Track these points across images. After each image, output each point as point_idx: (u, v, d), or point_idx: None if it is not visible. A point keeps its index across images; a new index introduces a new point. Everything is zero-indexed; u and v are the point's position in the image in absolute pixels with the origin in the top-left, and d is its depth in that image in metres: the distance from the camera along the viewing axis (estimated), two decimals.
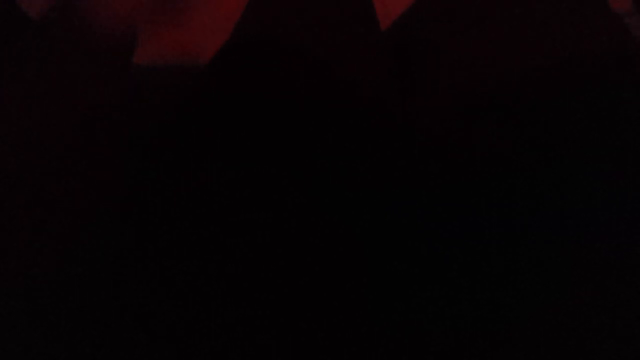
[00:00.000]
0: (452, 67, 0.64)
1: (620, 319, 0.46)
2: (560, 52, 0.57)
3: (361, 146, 0.58)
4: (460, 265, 0.51)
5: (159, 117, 0.66)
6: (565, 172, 0.53)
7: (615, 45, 0.59)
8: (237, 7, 0.69)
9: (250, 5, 0.67)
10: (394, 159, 0.59)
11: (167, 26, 0.77)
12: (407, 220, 0.54)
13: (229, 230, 0.51)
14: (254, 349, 0.47)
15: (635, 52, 0.57)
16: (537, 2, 0.63)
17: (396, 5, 0.74)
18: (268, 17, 0.64)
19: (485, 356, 0.47)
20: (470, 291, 0.50)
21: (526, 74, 0.57)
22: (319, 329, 0.48)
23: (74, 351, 0.49)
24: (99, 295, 0.51)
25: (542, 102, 0.57)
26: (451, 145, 0.58)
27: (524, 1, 0.63)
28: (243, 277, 0.49)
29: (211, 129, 0.59)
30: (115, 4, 0.75)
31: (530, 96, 0.57)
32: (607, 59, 0.57)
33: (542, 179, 0.53)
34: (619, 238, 0.49)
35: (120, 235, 0.53)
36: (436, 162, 0.58)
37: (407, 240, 0.53)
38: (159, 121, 0.65)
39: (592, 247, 0.49)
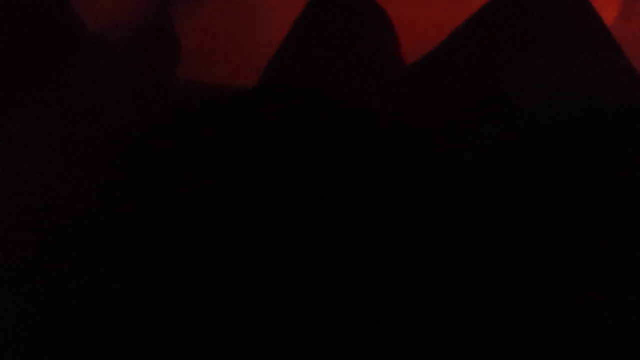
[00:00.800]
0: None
1: (621, 320, 0.48)
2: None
3: (364, 148, 0.59)
4: (463, 266, 0.52)
5: (188, 136, 0.67)
6: (566, 173, 0.54)
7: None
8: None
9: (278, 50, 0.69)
10: (396, 160, 0.60)
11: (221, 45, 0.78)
12: (411, 222, 0.54)
13: (232, 229, 0.53)
14: (256, 350, 0.48)
15: None
16: None
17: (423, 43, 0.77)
18: (297, 62, 0.66)
19: (488, 357, 0.49)
20: (474, 292, 0.51)
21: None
22: (323, 330, 0.49)
23: (74, 351, 0.49)
24: (99, 297, 0.51)
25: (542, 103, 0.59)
26: (452, 146, 0.60)
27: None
28: (245, 278, 0.51)
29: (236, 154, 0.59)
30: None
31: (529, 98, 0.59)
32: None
33: (542, 181, 0.55)
34: (620, 239, 0.51)
35: (121, 236, 0.55)
36: (437, 163, 0.60)
37: (411, 242, 0.53)
38: (187, 141, 0.65)
39: (593, 247, 0.51)
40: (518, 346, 0.50)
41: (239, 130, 0.61)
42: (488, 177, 0.57)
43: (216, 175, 0.57)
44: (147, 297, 0.51)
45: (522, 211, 0.54)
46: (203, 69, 0.74)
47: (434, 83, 0.74)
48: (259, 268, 0.52)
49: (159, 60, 0.76)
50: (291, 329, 0.50)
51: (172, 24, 0.78)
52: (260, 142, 0.59)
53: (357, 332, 0.50)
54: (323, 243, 0.53)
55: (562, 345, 0.49)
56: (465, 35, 0.73)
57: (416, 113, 0.70)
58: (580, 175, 0.54)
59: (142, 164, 0.61)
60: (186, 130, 0.62)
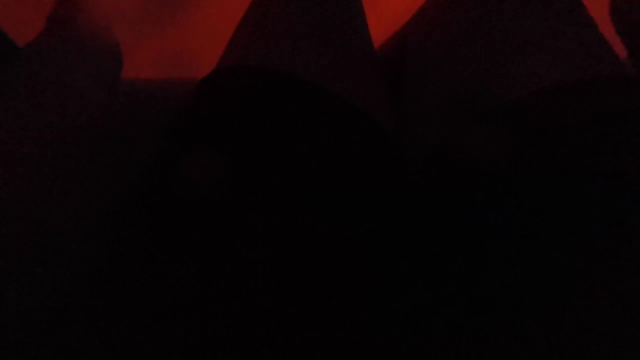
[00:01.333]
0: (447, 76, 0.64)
1: (621, 320, 0.47)
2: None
3: (360, 147, 0.58)
4: (462, 266, 0.51)
5: (151, 127, 0.65)
6: (567, 174, 0.53)
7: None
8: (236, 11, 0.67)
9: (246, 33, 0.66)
10: (394, 159, 0.58)
11: (161, 33, 0.76)
12: (409, 221, 0.54)
13: (230, 231, 0.50)
14: (256, 351, 0.47)
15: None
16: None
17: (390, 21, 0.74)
18: (256, 43, 0.63)
19: (488, 356, 0.48)
20: (472, 292, 0.50)
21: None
22: (322, 330, 0.48)
23: (74, 350, 0.49)
24: (99, 299, 0.50)
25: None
26: (452, 146, 0.58)
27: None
28: (243, 279, 0.48)
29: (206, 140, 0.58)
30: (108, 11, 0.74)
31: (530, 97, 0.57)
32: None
33: (543, 181, 0.53)
34: (620, 240, 0.49)
35: (120, 237, 0.52)
36: (436, 163, 0.58)
37: (409, 241, 0.53)
38: (152, 130, 0.64)
39: (594, 248, 0.49)
40: (515, 346, 0.48)
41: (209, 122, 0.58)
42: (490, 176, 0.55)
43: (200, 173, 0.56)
44: (147, 298, 0.50)
45: (521, 209, 0.52)
46: (204, 69, 0.71)
47: (402, 65, 0.72)
48: (248, 266, 0.51)
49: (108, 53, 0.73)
50: (286, 329, 0.49)
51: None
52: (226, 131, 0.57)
53: (352, 332, 0.49)
54: (314, 241, 0.52)
55: (560, 346, 0.48)
56: (435, 11, 0.70)
57: (388, 98, 0.67)
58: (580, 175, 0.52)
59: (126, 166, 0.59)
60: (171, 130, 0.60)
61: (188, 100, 0.63)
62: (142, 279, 0.49)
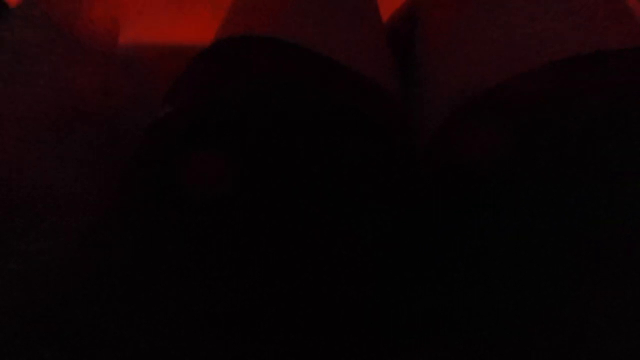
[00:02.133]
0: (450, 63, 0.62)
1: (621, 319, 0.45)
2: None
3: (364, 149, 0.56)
4: (464, 267, 0.50)
5: (144, 107, 0.63)
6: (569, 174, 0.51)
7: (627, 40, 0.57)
8: None
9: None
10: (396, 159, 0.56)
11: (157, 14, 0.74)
12: (412, 223, 0.53)
13: (236, 231, 0.49)
14: (257, 350, 0.46)
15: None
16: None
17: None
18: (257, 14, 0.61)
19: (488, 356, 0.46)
20: (473, 293, 0.48)
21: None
22: (325, 331, 0.46)
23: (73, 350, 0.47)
24: (100, 299, 0.49)
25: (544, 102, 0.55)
26: (453, 146, 0.56)
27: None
28: (245, 278, 0.47)
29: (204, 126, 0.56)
30: None
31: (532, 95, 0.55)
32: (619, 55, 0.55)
33: (545, 182, 0.51)
34: (621, 240, 0.47)
35: (120, 236, 0.51)
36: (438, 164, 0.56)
37: (412, 242, 0.51)
38: (145, 111, 0.62)
39: (595, 248, 0.47)
40: (517, 345, 0.47)
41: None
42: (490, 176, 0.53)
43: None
44: (147, 297, 0.49)
45: (522, 210, 0.50)
46: None
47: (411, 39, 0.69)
48: (260, 268, 0.50)
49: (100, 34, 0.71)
50: (289, 329, 0.48)
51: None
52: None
53: (355, 332, 0.48)
54: (321, 246, 0.51)
55: (560, 345, 0.46)
56: None
57: (396, 71, 0.65)
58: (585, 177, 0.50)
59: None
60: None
61: (184, 76, 0.60)
62: (143, 278, 0.48)
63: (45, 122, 0.56)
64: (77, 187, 0.55)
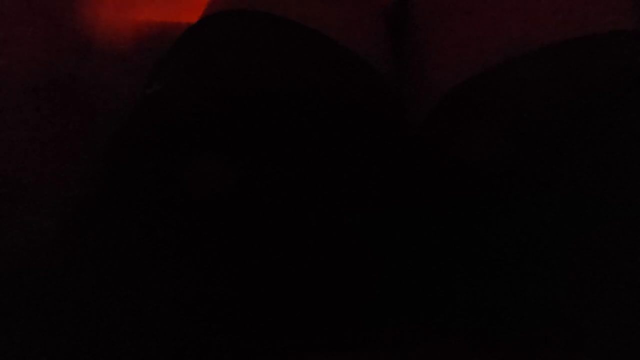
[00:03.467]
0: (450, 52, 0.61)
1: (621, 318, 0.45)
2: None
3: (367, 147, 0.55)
4: (464, 266, 0.49)
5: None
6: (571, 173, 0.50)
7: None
8: None
9: None
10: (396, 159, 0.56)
11: None
12: (412, 221, 0.52)
13: (231, 224, 0.48)
14: (256, 350, 0.45)
15: None
16: None
17: None
18: None
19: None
20: (473, 292, 0.48)
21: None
22: (324, 329, 0.46)
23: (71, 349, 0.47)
24: (98, 295, 0.48)
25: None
26: (452, 145, 0.56)
27: None
28: (243, 276, 0.46)
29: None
30: None
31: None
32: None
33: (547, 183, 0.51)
34: (620, 240, 0.47)
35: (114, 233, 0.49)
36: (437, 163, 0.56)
37: (411, 241, 0.51)
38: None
39: (594, 247, 0.47)
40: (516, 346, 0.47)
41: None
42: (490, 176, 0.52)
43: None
44: (145, 294, 0.48)
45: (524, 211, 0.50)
46: None
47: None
48: (258, 265, 0.49)
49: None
50: (289, 326, 0.48)
51: None
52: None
53: (354, 330, 0.49)
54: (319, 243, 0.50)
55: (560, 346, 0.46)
56: None
57: (390, 49, 0.64)
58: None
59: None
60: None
61: (171, 53, 0.59)
62: (140, 274, 0.46)
63: (23, 87, 0.54)
64: (55, 161, 0.54)
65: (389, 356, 0.43)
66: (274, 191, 0.46)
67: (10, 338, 0.43)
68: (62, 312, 0.43)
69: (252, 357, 0.42)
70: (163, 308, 0.43)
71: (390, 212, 0.50)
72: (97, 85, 0.62)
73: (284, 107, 0.50)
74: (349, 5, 0.59)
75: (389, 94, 0.57)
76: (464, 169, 0.49)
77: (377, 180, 0.50)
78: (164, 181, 0.48)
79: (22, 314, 0.45)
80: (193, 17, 0.62)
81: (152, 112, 0.52)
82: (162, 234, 0.46)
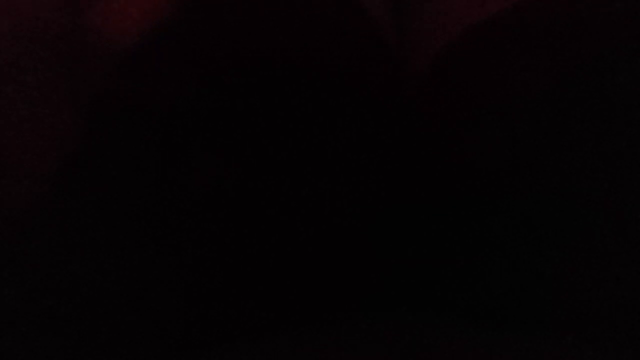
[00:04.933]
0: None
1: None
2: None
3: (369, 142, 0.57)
4: (463, 266, 0.51)
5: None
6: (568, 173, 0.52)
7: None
8: None
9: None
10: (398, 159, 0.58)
11: None
12: (410, 221, 0.54)
13: (231, 224, 0.50)
14: (255, 349, 0.47)
15: None
16: None
17: None
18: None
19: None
20: (472, 291, 0.50)
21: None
22: (323, 328, 0.47)
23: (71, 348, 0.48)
24: (99, 294, 0.49)
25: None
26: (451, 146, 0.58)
27: None
28: (241, 274, 0.48)
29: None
30: None
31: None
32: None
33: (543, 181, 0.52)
34: (620, 239, 0.49)
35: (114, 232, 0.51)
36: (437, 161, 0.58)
37: (410, 240, 0.53)
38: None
39: (593, 247, 0.48)
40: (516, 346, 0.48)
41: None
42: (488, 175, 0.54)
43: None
44: (145, 292, 0.50)
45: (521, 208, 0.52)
46: None
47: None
48: (257, 264, 0.50)
49: None
50: (288, 323, 0.49)
51: None
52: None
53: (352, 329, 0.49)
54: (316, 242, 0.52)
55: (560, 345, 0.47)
56: None
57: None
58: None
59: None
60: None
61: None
62: (139, 273, 0.48)
63: (4, 38, 0.53)
64: (37, 121, 0.53)
65: (388, 356, 0.44)
66: (271, 177, 0.47)
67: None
68: (59, 307, 0.44)
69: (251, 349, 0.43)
70: (160, 298, 0.44)
71: (390, 201, 0.51)
72: (83, 39, 0.61)
73: (277, 92, 0.51)
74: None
75: (385, 55, 0.57)
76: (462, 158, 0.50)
77: (375, 168, 0.51)
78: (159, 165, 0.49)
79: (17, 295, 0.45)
80: None
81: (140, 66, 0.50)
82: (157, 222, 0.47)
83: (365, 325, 0.44)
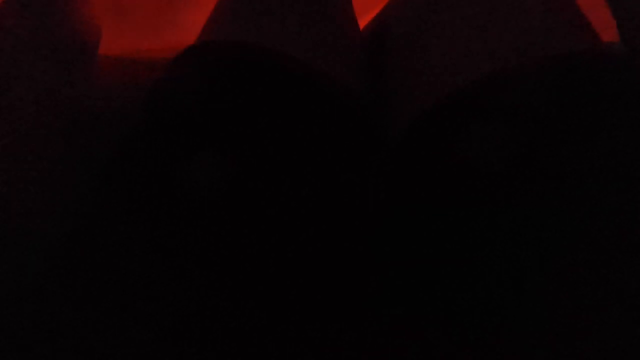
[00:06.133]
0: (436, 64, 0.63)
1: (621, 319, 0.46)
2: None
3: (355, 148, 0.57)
4: (462, 266, 0.50)
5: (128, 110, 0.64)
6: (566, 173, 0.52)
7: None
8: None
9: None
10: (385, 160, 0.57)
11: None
12: (408, 221, 0.54)
13: (229, 224, 0.49)
14: (255, 350, 0.46)
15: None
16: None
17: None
18: (237, 18, 0.62)
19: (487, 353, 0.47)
20: (471, 293, 0.49)
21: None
22: (321, 329, 0.47)
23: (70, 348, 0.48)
24: (98, 296, 0.49)
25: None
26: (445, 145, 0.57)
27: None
28: (241, 275, 0.48)
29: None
30: None
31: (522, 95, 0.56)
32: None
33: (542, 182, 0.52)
34: (619, 239, 0.48)
35: (114, 232, 0.51)
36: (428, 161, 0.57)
37: (408, 240, 0.52)
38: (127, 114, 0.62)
39: (593, 247, 0.48)
40: (515, 346, 0.48)
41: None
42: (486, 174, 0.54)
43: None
44: (144, 295, 0.49)
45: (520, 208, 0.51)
46: None
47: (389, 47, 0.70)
48: (256, 264, 0.50)
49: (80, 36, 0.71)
50: (286, 327, 0.48)
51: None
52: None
53: (350, 330, 0.49)
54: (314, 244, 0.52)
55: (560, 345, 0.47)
56: None
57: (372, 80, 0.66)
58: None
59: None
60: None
61: (163, 79, 0.61)
62: (138, 275, 0.48)
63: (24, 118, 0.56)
64: (51, 184, 0.55)
65: (388, 356, 0.44)
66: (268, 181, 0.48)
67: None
68: (62, 312, 0.44)
69: (250, 353, 0.43)
70: (164, 306, 0.44)
71: (384, 206, 0.51)
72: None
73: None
74: (327, 30, 0.61)
75: (355, 106, 0.58)
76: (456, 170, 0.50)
77: (365, 180, 0.51)
78: (161, 175, 0.49)
79: (22, 310, 0.46)
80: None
81: (140, 145, 0.53)
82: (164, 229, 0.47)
83: (365, 325, 0.44)
